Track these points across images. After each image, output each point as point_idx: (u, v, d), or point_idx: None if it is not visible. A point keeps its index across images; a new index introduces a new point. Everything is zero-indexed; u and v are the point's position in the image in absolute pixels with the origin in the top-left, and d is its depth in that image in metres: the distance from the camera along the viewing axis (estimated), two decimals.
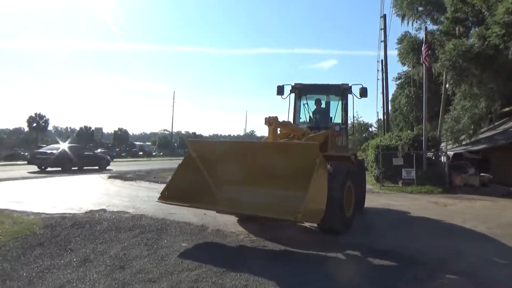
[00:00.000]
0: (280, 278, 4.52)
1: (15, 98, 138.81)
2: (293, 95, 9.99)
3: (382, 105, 25.94)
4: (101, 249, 5.60)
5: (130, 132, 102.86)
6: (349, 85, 9.63)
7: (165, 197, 6.71)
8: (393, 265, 5.33)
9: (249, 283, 4.35)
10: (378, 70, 27.20)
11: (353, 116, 45.87)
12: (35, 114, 75.14)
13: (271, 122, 7.35)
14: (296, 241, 6.49)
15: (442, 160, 17.22)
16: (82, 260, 5.02)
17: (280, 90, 9.68)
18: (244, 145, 7.45)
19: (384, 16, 24.59)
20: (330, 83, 9.97)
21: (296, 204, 5.38)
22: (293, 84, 9.89)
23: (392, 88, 34.63)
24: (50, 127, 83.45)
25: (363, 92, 9.31)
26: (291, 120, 9.89)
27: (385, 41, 24.57)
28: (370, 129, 48.50)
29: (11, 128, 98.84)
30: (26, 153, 57.73)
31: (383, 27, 24.57)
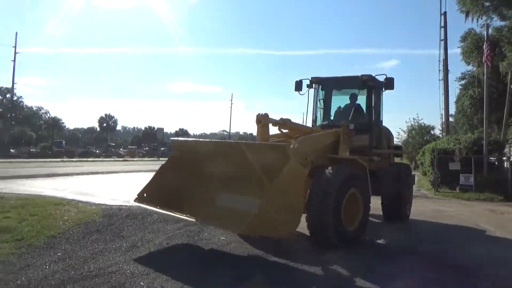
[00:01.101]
0: None
1: (89, 100, 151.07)
2: (312, 91, 8.85)
3: (443, 107, 24.66)
4: (148, 237, 6.24)
5: (191, 132, 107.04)
6: (373, 75, 8.23)
7: (142, 198, 6.29)
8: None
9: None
10: (439, 70, 25.84)
11: (412, 118, 43.91)
12: (105, 115, 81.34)
13: (260, 119, 6.70)
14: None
15: (505, 165, 16.10)
16: (130, 246, 5.67)
17: (299, 86, 8.57)
18: (216, 145, 6.68)
19: (445, 14, 23.40)
20: (352, 74, 8.56)
21: (248, 213, 4.76)
22: (310, 78, 8.72)
23: (455, 89, 32.76)
24: (118, 127, 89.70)
25: (389, 83, 8.12)
26: (310, 120, 8.95)
27: (445, 40, 23.39)
28: (432, 131, 46.05)
29: (85, 128, 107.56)
30: (97, 151, 62.59)
31: (443, 25, 23.40)
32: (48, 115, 74.76)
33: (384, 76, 8.21)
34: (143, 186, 6.43)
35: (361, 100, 8.74)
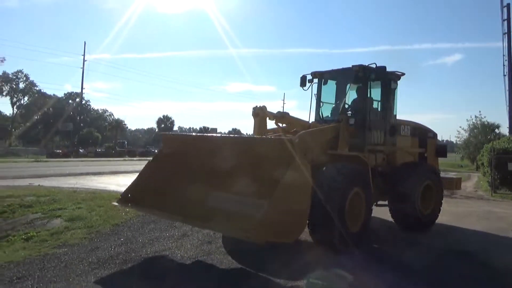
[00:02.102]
0: None
1: (148, 102, 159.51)
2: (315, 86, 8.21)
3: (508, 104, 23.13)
4: (198, 229, 6.91)
5: (244, 132, 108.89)
6: (365, 66, 7.27)
7: (126, 199, 5.98)
8: None
9: None
10: (504, 65, 24.29)
11: (475, 116, 41.28)
12: (163, 116, 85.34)
13: (257, 113, 6.42)
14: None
15: None
16: (181, 235, 6.38)
17: (303, 81, 8.07)
18: (209, 140, 6.29)
19: (508, 6, 21.99)
20: (348, 66, 7.61)
21: (255, 218, 4.44)
22: (310, 73, 8.19)
23: None
24: (175, 127, 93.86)
25: (379, 73, 7.28)
26: (313, 116, 8.26)
27: (508, 34, 21.98)
28: (497, 130, 42.97)
29: (145, 128, 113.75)
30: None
31: (506, 18, 22.02)
32: (112, 117, 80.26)
33: (384, 67, 7.36)
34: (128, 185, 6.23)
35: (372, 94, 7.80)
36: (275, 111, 7.01)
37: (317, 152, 6.16)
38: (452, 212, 10.28)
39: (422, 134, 8.73)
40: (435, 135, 9.15)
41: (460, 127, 43.06)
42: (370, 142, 7.20)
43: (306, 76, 8.05)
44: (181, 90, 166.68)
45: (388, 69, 7.40)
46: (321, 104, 8.18)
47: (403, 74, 7.84)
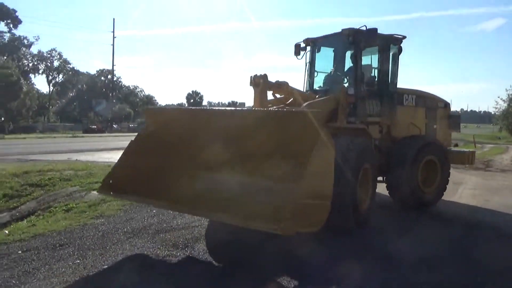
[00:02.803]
0: None
1: (177, 77, 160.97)
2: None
3: None
4: None
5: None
6: (356, 28, 6.55)
7: (107, 187, 5.12)
8: None
9: None
10: None
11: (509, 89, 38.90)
12: (192, 91, 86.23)
13: (258, 82, 5.78)
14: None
15: None
16: None
17: (298, 50, 7.44)
18: (213, 113, 5.39)
19: None
20: (342, 29, 6.79)
21: (281, 205, 3.76)
22: (303, 40, 7.50)
23: None
24: (204, 102, 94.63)
25: (370, 36, 6.43)
26: (307, 86, 7.63)
27: None
28: None
29: (175, 104, 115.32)
30: None
31: None
32: (143, 93, 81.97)
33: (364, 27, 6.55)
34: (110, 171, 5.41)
35: (367, 60, 7.21)
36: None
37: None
38: (485, 185, 10.04)
39: (430, 104, 7.93)
40: (446, 104, 8.32)
41: (499, 97, 41.10)
42: (368, 114, 6.60)
43: (299, 44, 7.43)
44: (210, 65, 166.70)
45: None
46: (316, 73, 7.56)
47: (404, 37, 7.13)
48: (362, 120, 6.43)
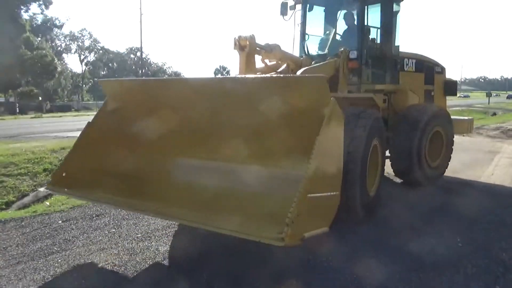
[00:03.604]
0: None
1: (205, 53, 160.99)
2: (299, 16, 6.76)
3: None
4: None
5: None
6: None
7: (59, 181, 3.88)
8: None
9: None
10: None
11: None
12: (220, 66, 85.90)
13: (243, 45, 4.91)
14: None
15: None
16: None
17: (285, 9, 6.55)
18: (193, 84, 3.99)
19: None
20: None
21: (281, 203, 2.81)
22: None
23: None
24: None
25: None
26: (297, 51, 6.70)
27: None
28: None
29: None
30: None
31: None
32: (171, 69, 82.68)
33: None
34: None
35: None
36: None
37: None
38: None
39: (428, 68, 7.35)
40: (443, 69, 7.79)
41: None
42: (372, 81, 5.95)
43: (287, 3, 6.56)
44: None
45: None
46: (307, 36, 6.76)
47: None
48: (368, 89, 5.78)
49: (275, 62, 5.75)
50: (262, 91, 3.51)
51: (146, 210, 3.46)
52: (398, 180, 6.55)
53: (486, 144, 11.56)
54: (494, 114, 28.64)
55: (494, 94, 77.19)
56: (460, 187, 6.51)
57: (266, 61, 5.70)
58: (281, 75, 4.94)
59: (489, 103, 42.98)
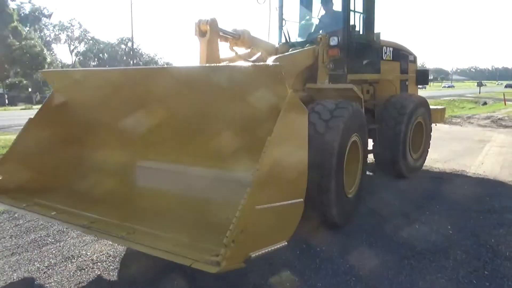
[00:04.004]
0: None
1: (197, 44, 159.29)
2: None
3: None
4: None
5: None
6: None
7: None
8: None
9: None
10: None
11: None
12: None
13: (203, 30, 4.39)
14: None
15: None
16: None
17: None
18: (137, 74, 3.54)
19: None
20: None
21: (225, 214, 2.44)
22: None
23: None
24: None
25: None
26: (275, 39, 6.24)
27: None
28: None
29: None
30: None
31: None
32: (163, 60, 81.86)
33: None
34: None
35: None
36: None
37: (294, 85, 4.68)
38: None
39: (403, 57, 7.05)
40: (415, 58, 7.52)
41: None
42: (355, 70, 5.51)
43: None
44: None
45: None
46: (284, 22, 6.21)
47: None
48: (353, 79, 5.41)
49: (249, 51, 5.23)
50: (209, 82, 3.01)
51: (75, 224, 2.86)
52: None
53: (476, 133, 11.70)
54: (485, 103, 28.90)
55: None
56: (450, 176, 6.60)
57: (236, 49, 5.15)
58: (229, 64, 4.25)
59: (480, 93, 43.33)
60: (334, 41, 5.07)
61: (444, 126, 13.49)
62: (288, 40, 6.01)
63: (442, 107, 8.37)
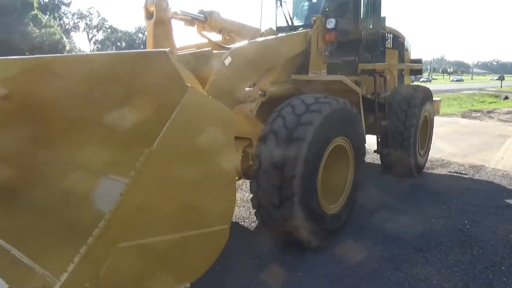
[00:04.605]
0: None
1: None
2: None
3: None
4: None
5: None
6: None
7: None
8: None
9: None
10: None
11: None
12: None
13: (151, 12, 3.64)
14: None
15: None
16: None
17: None
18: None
19: None
20: None
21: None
22: None
23: None
24: None
25: None
26: (268, 23, 5.75)
27: None
28: None
29: None
30: None
31: None
32: None
33: None
34: None
35: None
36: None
37: (278, 77, 3.96)
38: None
39: (401, 45, 6.50)
40: (410, 46, 6.94)
41: None
42: (365, 59, 5.03)
43: None
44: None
45: None
46: (278, 2, 5.36)
47: None
48: (364, 68, 4.87)
49: (226, 37, 4.60)
50: (86, 73, 2.46)
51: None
52: None
53: (497, 128, 11.42)
54: (507, 98, 28.14)
55: (495, 78, 75.19)
56: (469, 170, 6.49)
57: (206, 33, 4.40)
58: (109, 52, 3.50)
59: (501, 87, 42.20)
60: (331, 23, 4.26)
61: (463, 120, 13.23)
62: (289, 24, 5.21)
63: (437, 99, 7.74)
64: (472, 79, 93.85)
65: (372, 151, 5.86)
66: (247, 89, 3.61)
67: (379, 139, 5.39)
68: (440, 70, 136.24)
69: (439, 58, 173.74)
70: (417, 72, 7.24)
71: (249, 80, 3.74)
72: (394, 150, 5.40)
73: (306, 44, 4.28)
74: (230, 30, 4.63)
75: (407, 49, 6.87)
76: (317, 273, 3.17)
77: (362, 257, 3.41)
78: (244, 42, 3.83)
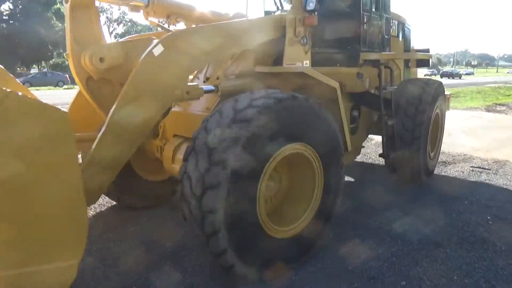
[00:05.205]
0: None
1: None
2: None
3: None
4: None
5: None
6: None
7: None
8: None
9: None
10: None
11: None
12: None
13: None
14: None
15: None
16: None
17: None
18: None
19: None
20: None
21: None
22: None
23: None
24: None
25: None
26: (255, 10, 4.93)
27: None
28: None
29: None
30: None
31: None
32: None
33: None
34: None
35: None
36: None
37: (242, 69, 3.49)
38: None
39: (407, 32, 5.79)
40: (413, 35, 6.24)
41: None
42: (369, 46, 4.39)
43: None
44: None
45: None
46: None
47: None
48: (367, 58, 4.28)
49: (175, 23, 3.93)
50: None
51: None
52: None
53: None
54: None
55: (507, 72, 72.39)
56: (492, 165, 6.31)
57: (155, 20, 3.79)
58: None
59: None
60: (311, 4, 3.50)
61: (487, 114, 12.86)
62: (279, 7, 4.61)
63: (448, 93, 6.89)
64: (497, 72, 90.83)
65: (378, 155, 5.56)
66: (189, 84, 3.10)
67: (384, 141, 4.67)
68: (464, 63, 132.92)
69: (463, 51, 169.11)
70: (425, 63, 6.43)
71: (191, 73, 3.33)
72: (402, 152, 4.72)
73: (282, 30, 3.57)
74: (179, 15, 3.85)
75: (411, 38, 6.23)
76: (337, 265, 3.16)
77: (381, 251, 3.39)
78: (184, 28, 3.40)
